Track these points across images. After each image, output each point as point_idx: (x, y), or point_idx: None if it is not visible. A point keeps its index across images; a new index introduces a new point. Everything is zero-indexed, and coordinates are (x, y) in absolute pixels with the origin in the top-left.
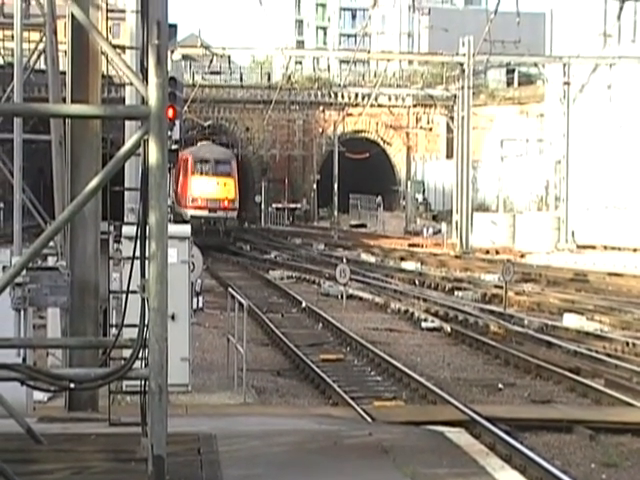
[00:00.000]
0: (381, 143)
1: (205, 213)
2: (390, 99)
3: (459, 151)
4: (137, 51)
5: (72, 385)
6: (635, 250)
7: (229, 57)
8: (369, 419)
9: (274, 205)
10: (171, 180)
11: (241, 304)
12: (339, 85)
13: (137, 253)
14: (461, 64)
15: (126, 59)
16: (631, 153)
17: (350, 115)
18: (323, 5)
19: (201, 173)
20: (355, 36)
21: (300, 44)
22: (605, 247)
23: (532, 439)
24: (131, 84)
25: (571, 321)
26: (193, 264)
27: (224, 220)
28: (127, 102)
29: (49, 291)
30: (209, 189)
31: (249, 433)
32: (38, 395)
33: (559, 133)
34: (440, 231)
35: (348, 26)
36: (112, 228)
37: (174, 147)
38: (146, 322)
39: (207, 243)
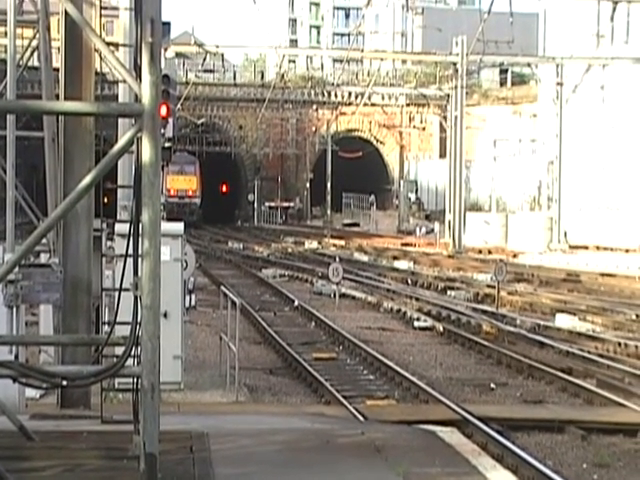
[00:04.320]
0: (374, 142)
1: (176, 200)
2: (383, 98)
3: (452, 151)
4: (131, 48)
5: (64, 382)
6: (627, 251)
7: (222, 55)
8: (361, 418)
9: (267, 204)
10: (164, 178)
11: (234, 302)
12: (332, 84)
13: (130, 251)
14: (454, 64)
15: (119, 56)
16: (624, 154)
17: (343, 114)
18: (317, 4)
19: (174, 173)
20: (349, 35)
21: (294, 43)
22: (597, 247)
23: (524, 439)
24: (124, 82)
25: (563, 321)
26: (186, 262)
27: (189, 204)
28: (120, 99)
29: (41, 288)
30: (178, 183)
31: (241, 431)
32: (30, 392)
33: (552, 133)
34: (433, 230)
35: (342, 25)
36: (105, 225)
37: (167, 145)
38: (139, 320)
39: (177, 218)
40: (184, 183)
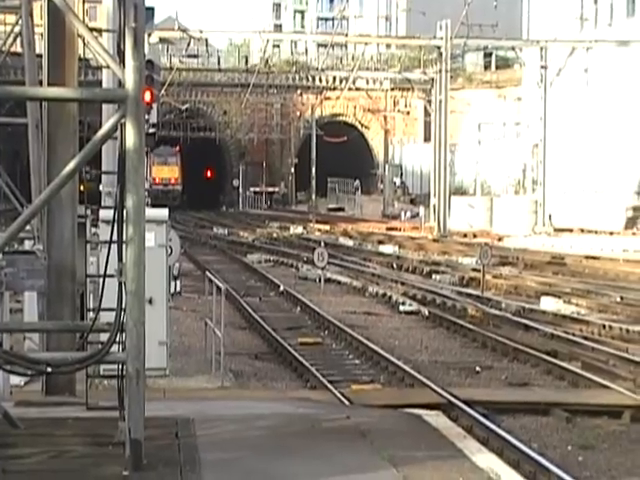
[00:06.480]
0: (359, 127)
1: (160, 187)
2: (368, 83)
3: (437, 135)
4: (114, 34)
5: (49, 369)
6: (611, 233)
7: (206, 40)
8: (347, 402)
9: (252, 189)
10: (148, 164)
11: (219, 288)
12: (317, 69)
13: (114, 237)
14: (439, 47)
15: (103, 42)
16: (607, 137)
17: (328, 99)
18: None
19: (158, 163)
20: (333, 19)
21: (278, 27)
22: (582, 230)
23: (509, 422)
24: (108, 67)
25: (548, 304)
26: (171, 248)
27: (172, 191)
28: (104, 85)
29: (26, 275)
30: (162, 172)
31: (227, 417)
32: (15, 379)
33: (536, 117)
34: (418, 214)
35: (326, 9)
36: (89, 212)
37: (151, 131)
38: (123, 306)
39: (161, 203)
40: (167, 172)
